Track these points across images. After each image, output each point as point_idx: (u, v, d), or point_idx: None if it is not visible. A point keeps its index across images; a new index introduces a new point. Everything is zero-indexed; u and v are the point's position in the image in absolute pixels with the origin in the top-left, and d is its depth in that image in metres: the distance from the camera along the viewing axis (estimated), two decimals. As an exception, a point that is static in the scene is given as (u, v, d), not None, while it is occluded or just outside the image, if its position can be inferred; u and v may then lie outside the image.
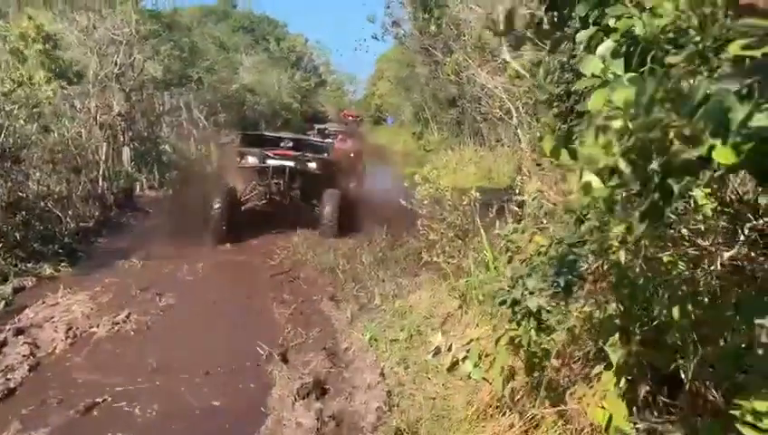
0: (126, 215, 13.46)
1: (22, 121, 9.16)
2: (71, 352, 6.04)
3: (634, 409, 2.24)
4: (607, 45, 1.44)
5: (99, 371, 5.57)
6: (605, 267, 2.40)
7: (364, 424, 4.40)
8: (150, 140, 19.39)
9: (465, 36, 10.32)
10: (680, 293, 2.20)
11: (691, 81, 1.10)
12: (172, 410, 4.87)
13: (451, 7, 10.46)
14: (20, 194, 9.75)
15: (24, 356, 5.81)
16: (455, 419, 3.96)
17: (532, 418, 3.00)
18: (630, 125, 1.09)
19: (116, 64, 15.12)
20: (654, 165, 1.09)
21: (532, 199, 7.93)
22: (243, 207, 10.61)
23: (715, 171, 1.21)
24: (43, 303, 7.27)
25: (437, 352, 3.16)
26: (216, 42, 30.60)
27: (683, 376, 2.13)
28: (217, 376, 5.44)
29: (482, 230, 6.29)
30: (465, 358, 3.15)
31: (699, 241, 2.32)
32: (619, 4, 1.38)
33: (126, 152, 16.75)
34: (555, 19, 2.12)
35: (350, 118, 45.19)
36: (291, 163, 10.75)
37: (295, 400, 4.76)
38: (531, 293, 2.42)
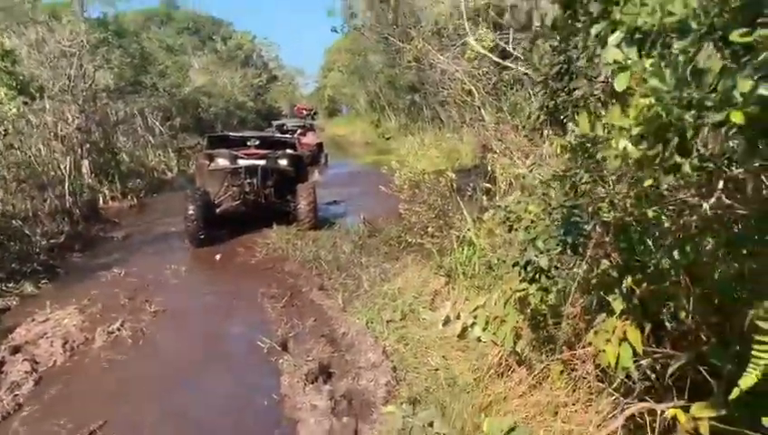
0: (95, 227, 13.29)
1: (-14, 141, 9.05)
2: (71, 364, 6.12)
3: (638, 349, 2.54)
4: (616, 36, 1.72)
5: (103, 378, 5.69)
6: (601, 227, 2.69)
7: (375, 399, 4.65)
8: (108, 151, 19.05)
9: (422, 24, 10.59)
10: (670, 241, 2.50)
11: (698, 60, 1.38)
12: (187, 405, 5.03)
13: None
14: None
15: (26, 372, 5.87)
16: (462, 383, 4.24)
17: (540, 371, 3.29)
18: (654, 100, 1.35)
19: (68, 77, 14.85)
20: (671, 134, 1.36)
21: (501, 174, 8.28)
22: (218, 210, 10.66)
23: (726, 131, 1.48)
24: (33, 320, 7.26)
25: (447, 321, 3.41)
26: (164, 45, 30.09)
27: (681, 315, 2.43)
28: (224, 371, 5.62)
29: (463, 208, 6.56)
30: (473, 324, 3.41)
31: (680, 195, 2.62)
32: (630, 3, 1.64)
33: (85, 165, 16.54)
34: (567, 15, 2.39)
35: (305, 111, 44.96)
36: (262, 162, 10.84)
37: (305, 384, 4.98)
38: (541, 252, 2.68)
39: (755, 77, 1.31)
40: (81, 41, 15.04)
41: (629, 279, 2.52)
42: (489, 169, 7.54)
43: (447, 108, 16.82)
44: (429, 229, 7.24)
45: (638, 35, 1.64)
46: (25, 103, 9.67)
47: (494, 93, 9.41)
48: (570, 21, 2.45)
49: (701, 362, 2.32)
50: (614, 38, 1.72)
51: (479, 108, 9.45)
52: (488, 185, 8.05)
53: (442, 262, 6.86)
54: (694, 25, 1.47)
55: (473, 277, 6.37)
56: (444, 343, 5.36)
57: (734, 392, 1.90)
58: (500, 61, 7.91)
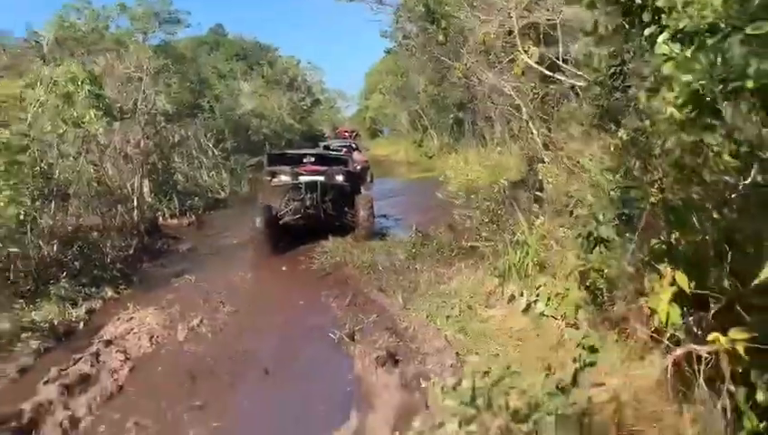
0: (159, 241, 14.10)
1: (72, 159, 9.91)
2: (158, 354, 6.75)
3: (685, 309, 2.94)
4: (664, 36, 2.22)
5: (188, 365, 6.29)
6: (650, 207, 3.11)
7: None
8: (166, 171, 20.06)
9: (470, 42, 11.15)
10: (713, 216, 2.92)
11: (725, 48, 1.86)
12: (271, 386, 5.58)
13: (458, 17, 11.30)
14: (73, 226, 10.51)
15: (121, 361, 6.53)
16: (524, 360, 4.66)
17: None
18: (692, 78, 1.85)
19: (134, 101, 15.87)
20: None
21: (549, 182, 8.66)
22: (280, 222, 11.30)
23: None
24: (119, 319, 7.96)
25: (512, 297, 3.86)
26: (215, 71, 31.46)
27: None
28: (300, 358, 6.18)
29: (518, 211, 6.99)
30: (536, 301, 3.85)
31: (722, 178, 3.04)
32: (674, 11, 2.14)
33: (146, 184, 17.52)
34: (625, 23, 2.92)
35: (347, 133, 45.81)
36: (321, 178, 11.51)
37: (376, 368, 5.47)
38: (601, 223, 3.12)
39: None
40: (146, 67, 16.09)
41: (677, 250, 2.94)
42: (539, 177, 7.94)
43: (493, 123, 17.26)
44: (483, 233, 7.69)
45: (680, 35, 2.13)
46: (110, 124, 10.54)
47: (542, 107, 9.84)
48: (625, 27, 2.95)
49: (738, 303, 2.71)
50: (662, 37, 2.22)
51: (527, 121, 9.89)
52: (538, 193, 8.45)
53: (496, 263, 7.28)
54: (722, 26, 1.94)
55: (526, 277, 6.77)
56: (501, 334, 5.78)
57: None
58: (549, 73, 8.37)
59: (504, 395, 2.50)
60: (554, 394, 2.43)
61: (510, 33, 8.77)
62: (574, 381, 2.49)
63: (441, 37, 12.52)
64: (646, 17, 2.62)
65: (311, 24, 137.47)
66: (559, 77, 7.30)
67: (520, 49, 7.74)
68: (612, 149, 3.53)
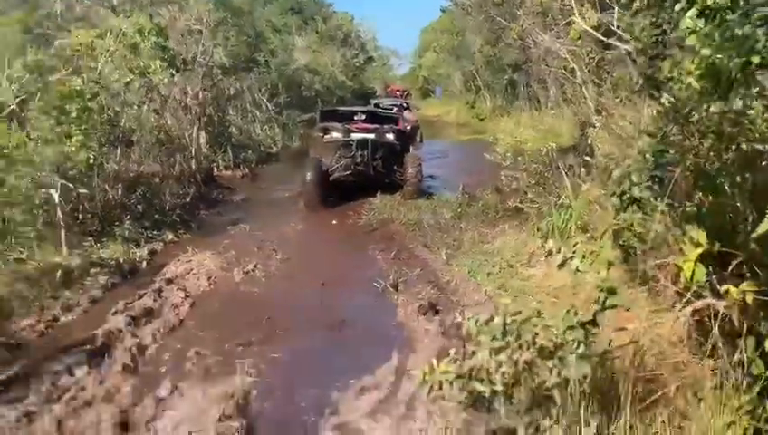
0: (214, 191, 14.71)
1: (135, 107, 10.45)
2: (216, 293, 7.26)
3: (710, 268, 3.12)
4: (692, 11, 2.40)
5: (244, 303, 6.78)
6: (684, 171, 3.27)
7: (480, 330, 5.39)
8: (221, 124, 20.60)
9: (527, 3, 11.08)
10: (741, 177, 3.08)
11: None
12: (322, 324, 6.01)
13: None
14: (134, 172, 11.13)
15: (181, 298, 7.05)
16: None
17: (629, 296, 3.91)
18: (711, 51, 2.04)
19: (193, 54, 16.30)
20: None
21: (598, 148, 8.70)
22: (330, 178, 11.66)
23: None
24: (179, 260, 8.51)
25: (550, 253, 4.08)
26: (270, 25, 31.71)
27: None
28: (348, 302, 6.60)
29: (564, 173, 7.12)
30: (571, 257, 4.06)
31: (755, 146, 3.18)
32: None
33: (202, 135, 18.11)
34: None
35: (398, 92, 45.61)
36: (372, 136, 11.79)
37: (418, 316, 5.81)
38: (635, 184, 3.30)
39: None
40: (206, 20, 16.47)
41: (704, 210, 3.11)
42: (589, 142, 8.01)
43: (548, 87, 17.09)
44: (528, 195, 7.86)
45: (706, 11, 2.31)
46: (173, 75, 11.01)
47: (597, 71, 9.79)
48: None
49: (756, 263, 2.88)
50: (691, 12, 2.40)
51: (581, 86, 9.86)
52: (587, 158, 8.51)
53: (539, 225, 7.47)
54: (741, 3, 2.11)
55: (568, 239, 6.94)
56: (540, 291, 6.03)
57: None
58: (603, 39, 8.33)
59: (532, 333, 2.77)
60: (574, 327, 2.68)
61: (567, -5, 8.73)
62: (594, 321, 2.73)
63: (498, -3, 12.46)
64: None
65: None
66: (614, 42, 7.29)
67: (575, 14, 7.72)
68: (655, 113, 3.65)
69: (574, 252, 4.11)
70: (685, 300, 3.08)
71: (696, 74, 2.43)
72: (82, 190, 9.07)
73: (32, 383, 5.02)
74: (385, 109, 24.31)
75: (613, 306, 2.70)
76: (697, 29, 2.44)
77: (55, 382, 5.06)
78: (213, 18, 15.88)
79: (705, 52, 2.39)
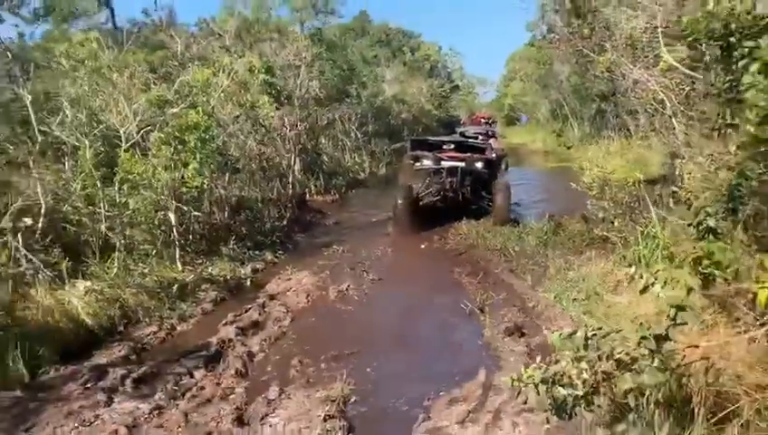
0: (308, 215, 15.54)
1: (242, 137, 11.41)
2: (313, 309, 7.86)
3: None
4: (756, 66, 2.71)
5: (339, 319, 7.32)
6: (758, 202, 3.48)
7: (564, 352, 5.65)
8: (314, 151, 21.65)
9: (616, 36, 11.23)
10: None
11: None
12: (411, 343, 6.43)
13: (603, 12, 11.44)
14: (237, 197, 12.09)
15: (283, 312, 7.69)
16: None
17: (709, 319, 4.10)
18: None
19: (293, 87, 17.41)
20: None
21: (689, 178, 8.72)
22: (420, 203, 12.18)
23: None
24: (279, 278, 9.23)
25: (632, 279, 4.33)
26: (361, 57, 32.97)
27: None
28: (435, 322, 7.00)
29: (650, 204, 7.25)
30: (653, 283, 4.31)
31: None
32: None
33: (297, 162, 19.15)
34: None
35: (483, 119, 45.75)
36: (462, 164, 12.27)
37: (504, 337, 6.13)
38: (710, 215, 3.55)
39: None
40: (304, 55, 17.59)
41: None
42: (677, 173, 8.07)
43: (637, 117, 16.93)
44: (615, 224, 8.01)
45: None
46: (278, 109, 11.95)
47: (686, 103, 9.77)
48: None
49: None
50: (754, 67, 2.70)
51: (670, 117, 9.87)
52: (675, 189, 8.55)
53: (625, 253, 7.59)
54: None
55: (654, 267, 7.04)
56: (624, 318, 6.19)
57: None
58: (691, 73, 8.39)
59: (611, 347, 3.07)
60: (647, 338, 2.96)
61: (656, 28, 8.86)
62: (666, 336, 3.00)
63: (586, 31, 12.65)
64: (737, 54, 3.05)
65: (450, 6, 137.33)
66: (700, 76, 7.38)
67: (663, 48, 7.87)
68: (734, 149, 3.87)
69: (656, 278, 4.37)
70: (759, 322, 3.28)
71: (755, 122, 2.66)
72: (195, 213, 10.00)
73: (157, 382, 5.73)
74: (471, 137, 24.77)
75: (684, 323, 2.97)
76: (755, 83, 2.72)
77: (178, 382, 5.75)
78: (310, 53, 16.90)
79: (763, 103, 2.67)
